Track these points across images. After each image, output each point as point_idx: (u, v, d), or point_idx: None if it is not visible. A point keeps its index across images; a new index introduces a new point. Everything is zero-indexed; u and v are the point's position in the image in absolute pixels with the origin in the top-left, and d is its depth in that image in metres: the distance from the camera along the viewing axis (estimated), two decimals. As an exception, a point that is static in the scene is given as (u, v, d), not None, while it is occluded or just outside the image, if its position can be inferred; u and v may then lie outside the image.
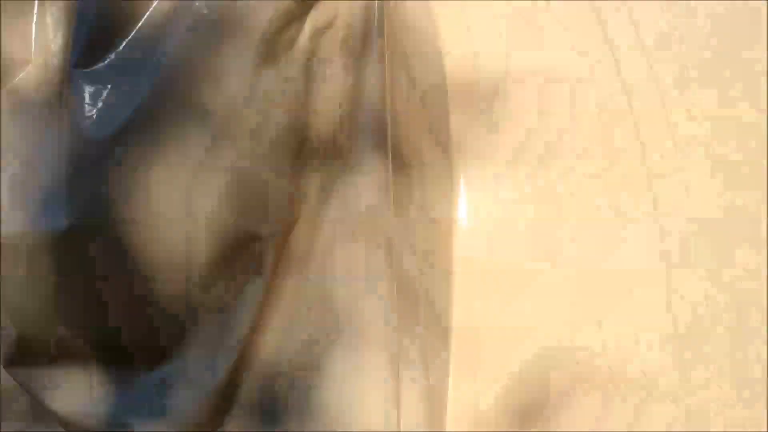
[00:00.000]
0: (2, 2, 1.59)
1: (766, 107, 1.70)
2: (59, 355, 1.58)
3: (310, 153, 1.50)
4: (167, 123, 1.46)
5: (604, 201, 1.71)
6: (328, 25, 1.51)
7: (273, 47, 1.45)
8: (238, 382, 1.57)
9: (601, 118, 1.75)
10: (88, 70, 1.50)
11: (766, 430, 1.66)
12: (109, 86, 1.49)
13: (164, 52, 1.47)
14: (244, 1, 1.44)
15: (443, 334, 1.67)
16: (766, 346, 1.68)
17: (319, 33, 1.50)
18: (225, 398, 1.57)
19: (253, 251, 1.52)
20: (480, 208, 1.81)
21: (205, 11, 1.45)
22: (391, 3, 1.60)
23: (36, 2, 1.61)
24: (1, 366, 1.56)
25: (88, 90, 1.50)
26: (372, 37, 1.49)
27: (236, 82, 1.46)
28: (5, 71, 1.59)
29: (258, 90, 1.45)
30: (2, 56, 1.59)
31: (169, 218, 1.46)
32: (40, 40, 1.61)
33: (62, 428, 1.60)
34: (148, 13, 1.49)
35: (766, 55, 1.57)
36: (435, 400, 1.58)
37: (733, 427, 1.60)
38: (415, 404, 1.52)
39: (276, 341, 1.58)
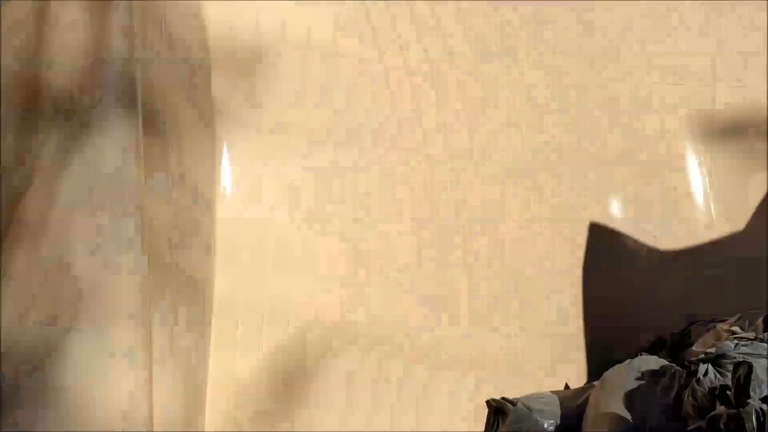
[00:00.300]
0: None
1: None
2: None
3: (43, 108, 1.33)
4: None
5: (365, 180, 1.80)
6: (66, -36, 1.34)
7: (-8, -18, 1.25)
8: (-39, 373, 1.35)
9: (367, 92, 1.83)
10: None
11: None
12: None
13: None
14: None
15: (203, 305, 1.62)
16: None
17: (53, -28, 1.33)
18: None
19: (-31, 222, 1.30)
20: (244, 178, 1.79)
21: None
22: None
23: None
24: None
25: None
26: (117, -16, 1.35)
27: (-58, 21, 1.23)
28: None
29: (-28, 32, 1.24)
30: None
31: None
32: None
33: None
34: None
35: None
36: (193, 374, 1.52)
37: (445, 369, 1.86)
38: (171, 379, 1.45)
39: (7, 324, 1.38)
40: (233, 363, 1.63)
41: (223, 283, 1.64)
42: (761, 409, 1.18)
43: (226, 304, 1.64)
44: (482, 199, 2.01)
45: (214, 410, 1.66)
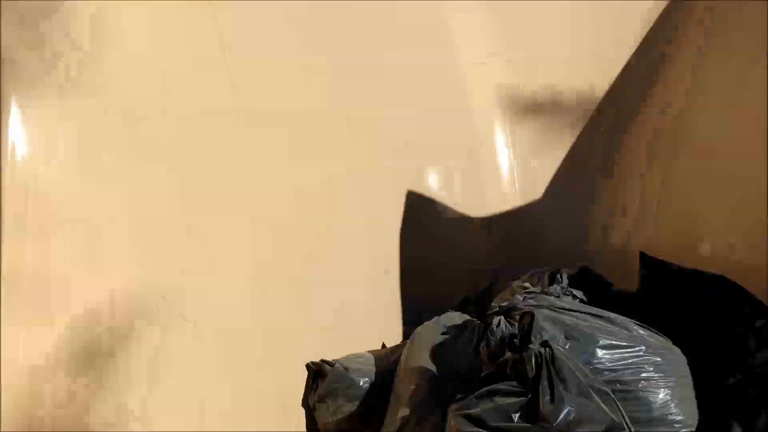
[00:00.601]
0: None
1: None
2: None
3: None
4: None
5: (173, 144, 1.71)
6: None
7: None
8: None
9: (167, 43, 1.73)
10: None
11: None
12: None
13: None
14: None
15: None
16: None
17: None
18: None
19: None
20: (35, 137, 1.61)
21: None
22: None
23: None
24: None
25: None
26: None
27: None
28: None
29: None
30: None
31: None
32: None
33: None
34: None
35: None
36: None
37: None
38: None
39: None
40: (23, 341, 1.48)
41: (9, 253, 1.48)
42: (539, 353, 1.33)
43: (12, 276, 1.49)
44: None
45: (7, 393, 1.53)
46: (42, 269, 1.55)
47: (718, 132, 1.97)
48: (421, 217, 2.34)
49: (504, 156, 2.66)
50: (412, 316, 2.19)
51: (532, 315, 1.45)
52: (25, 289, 1.52)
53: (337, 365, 1.84)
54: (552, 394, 1.27)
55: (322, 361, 1.88)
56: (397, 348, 1.92)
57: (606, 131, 2.60)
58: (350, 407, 1.78)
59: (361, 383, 1.80)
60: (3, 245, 1.51)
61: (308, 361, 1.89)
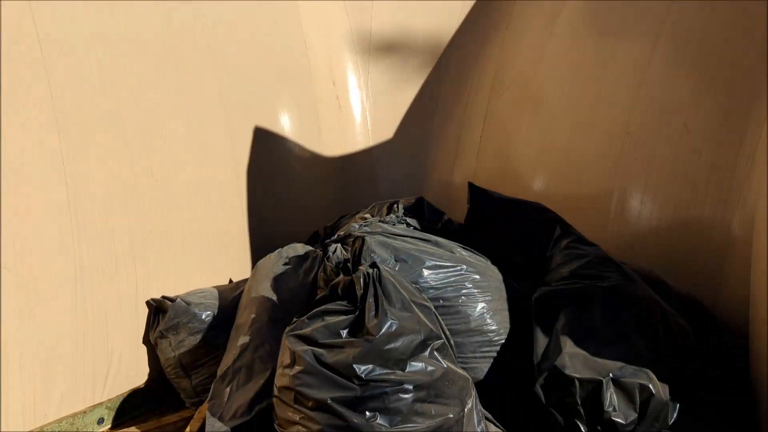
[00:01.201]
0: None
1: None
2: None
3: None
4: None
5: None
6: None
7: None
8: None
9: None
10: None
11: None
12: None
13: None
14: None
15: None
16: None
17: None
18: None
19: None
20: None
21: None
22: None
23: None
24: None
25: None
26: None
27: None
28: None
29: None
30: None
31: None
32: None
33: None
34: None
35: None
36: None
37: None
38: None
39: None
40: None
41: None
42: (368, 273, 1.39)
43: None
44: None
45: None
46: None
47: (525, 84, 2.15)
48: (272, 158, 2.33)
49: (356, 95, 2.70)
50: (260, 253, 2.21)
51: (363, 239, 1.51)
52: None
53: (178, 300, 1.81)
54: (377, 310, 1.34)
55: (164, 297, 1.84)
56: (242, 282, 1.92)
57: (448, 78, 2.72)
58: (192, 340, 1.77)
59: (204, 317, 1.79)
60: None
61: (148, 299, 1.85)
